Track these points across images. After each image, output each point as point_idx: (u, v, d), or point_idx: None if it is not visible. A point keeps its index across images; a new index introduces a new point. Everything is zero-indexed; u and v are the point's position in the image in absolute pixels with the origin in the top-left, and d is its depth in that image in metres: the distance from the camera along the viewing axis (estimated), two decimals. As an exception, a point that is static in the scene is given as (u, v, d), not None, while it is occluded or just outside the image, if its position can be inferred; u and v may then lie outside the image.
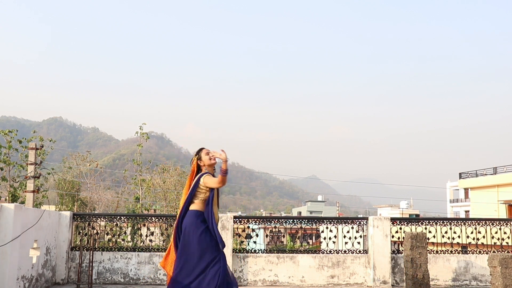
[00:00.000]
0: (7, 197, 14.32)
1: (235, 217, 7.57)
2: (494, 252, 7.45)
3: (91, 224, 7.53)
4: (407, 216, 49.53)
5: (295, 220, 7.92)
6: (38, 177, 12.54)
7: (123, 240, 7.84)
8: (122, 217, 7.57)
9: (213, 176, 4.60)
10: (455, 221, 7.93)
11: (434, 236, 7.75)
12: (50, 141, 17.11)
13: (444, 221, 7.89)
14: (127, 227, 8.43)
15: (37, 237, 6.27)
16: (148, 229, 7.60)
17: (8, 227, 5.39)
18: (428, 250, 7.35)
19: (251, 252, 7.52)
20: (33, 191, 11.87)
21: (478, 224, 7.83)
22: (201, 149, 4.71)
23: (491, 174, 31.31)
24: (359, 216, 19.65)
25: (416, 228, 7.85)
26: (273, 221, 8.06)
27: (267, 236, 8.65)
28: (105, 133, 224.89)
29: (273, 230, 8.42)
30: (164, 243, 7.89)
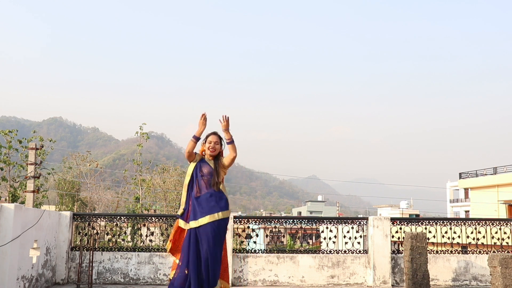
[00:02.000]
0: (7, 197, 14.32)
1: (235, 217, 7.57)
2: (494, 252, 7.45)
3: (91, 224, 7.52)
4: (407, 216, 49.52)
5: (295, 220, 7.91)
6: (38, 177, 12.54)
7: (123, 240, 7.83)
8: (122, 217, 7.57)
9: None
10: (455, 221, 7.92)
11: (434, 236, 7.74)
12: (50, 141, 17.12)
13: (444, 221, 7.89)
14: (127, 227, 8.42)
15: (37, 237, 6.27)
16: (148, 229, 7.60)
17: (8, 227, 5.39)
18: (428, 250, 7.34)
19: (251, 252, 7.52)
20: (33, 191, 11.87)
21: (478, 224, 7.83)
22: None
23: (491, 174, 31.30)
24: (359, 216, 19.65)
25: (416, 228, 7.84)
26: (273, 221, 8.06)
27: (267, 236, 8.66)
28: (105, 133, 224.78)
29: (273, 230, 8.42)
30: (164, 243, 7.88)
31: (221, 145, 4.81)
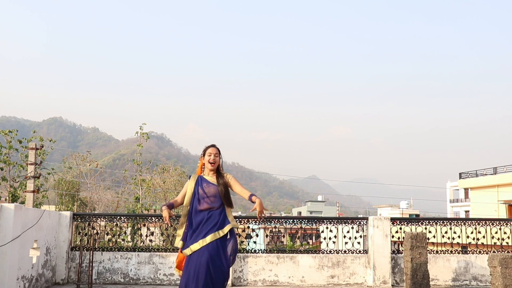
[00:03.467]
0: (7, 197, 14.32)
1: (235, 217, 7.55)
2: (494, 252, 7.44)
3: (91, 224, 7.53)
4: (407, 216, 49.53)
5: (295, 220, 7.91)
6: (38, 177, 12.53)
7: (123, 240, 7.84)
8: (122, 217, 7.57)
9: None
10: (455, 221, 7.93)
11: (434, 236, 7.75)
12: (50, 141, 17.11)
13: (444, 221, 7.89)
14: (127, 227, 8.43)
15: (37, 237, 6.27)
16: (148, 229, 7.60)
17: (8, 227, 5.39)
18: (428, 250, 7.34)
19: (251, 252, 7.52)
20: (33, 191, 11.86)
21: (478, 224, 7.83)
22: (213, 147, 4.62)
23: (491, 174, 31.29)
24: (359, 216, 19.65)
25: (416, 228, 7.85)
26: (273, 221, 8.06)
27: (267, 236, 8.65)
28: (105, 133, 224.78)
29: (273, 230, 8.42)
30: (164, 243, 7.89)
31: (220, 157, 4.58)
